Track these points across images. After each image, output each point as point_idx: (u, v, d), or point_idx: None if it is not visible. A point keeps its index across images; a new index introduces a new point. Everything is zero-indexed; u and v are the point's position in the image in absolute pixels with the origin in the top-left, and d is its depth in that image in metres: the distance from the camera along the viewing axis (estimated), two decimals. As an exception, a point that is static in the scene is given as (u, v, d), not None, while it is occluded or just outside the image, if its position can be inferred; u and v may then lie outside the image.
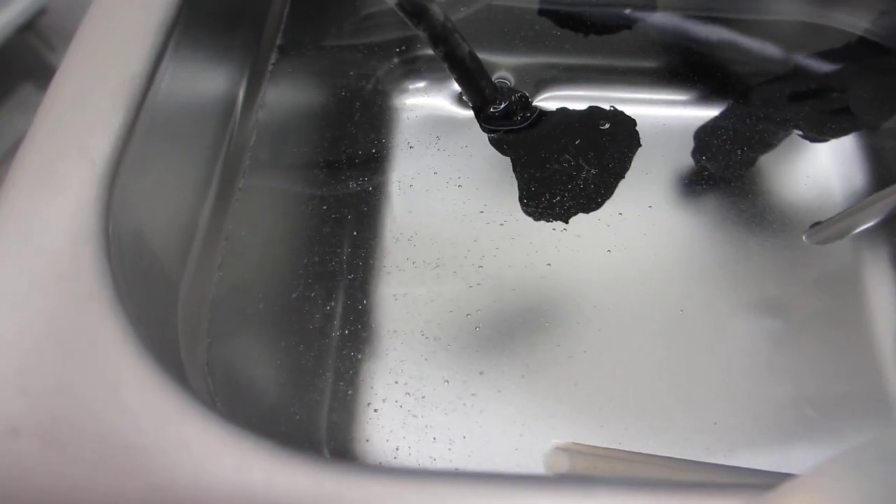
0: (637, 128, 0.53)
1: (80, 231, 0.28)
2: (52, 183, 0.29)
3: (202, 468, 0.23)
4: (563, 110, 0.54)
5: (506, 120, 0.51)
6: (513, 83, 0.54)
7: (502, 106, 0.51)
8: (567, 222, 0.49)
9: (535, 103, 0.53)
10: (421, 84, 0.55)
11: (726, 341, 0.45)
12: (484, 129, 0.52)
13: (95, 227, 0.28)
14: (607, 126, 0.53)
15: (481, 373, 0.44)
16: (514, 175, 0.51)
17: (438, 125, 0.54)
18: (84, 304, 0.26)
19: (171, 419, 0.24)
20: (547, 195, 0.50)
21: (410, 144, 0.53)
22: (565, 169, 0.51)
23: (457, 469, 0.41)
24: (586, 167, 0.51)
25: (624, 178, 0.51)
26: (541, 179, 0.51)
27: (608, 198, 0.50)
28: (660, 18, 0.57)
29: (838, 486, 0.20)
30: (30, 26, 0.80)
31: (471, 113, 0.52)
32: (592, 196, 0.50)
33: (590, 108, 0.54)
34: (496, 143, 0.52)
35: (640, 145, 0.52)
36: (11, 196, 0.29)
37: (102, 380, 0.25)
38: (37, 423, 0.24)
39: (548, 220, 0.50)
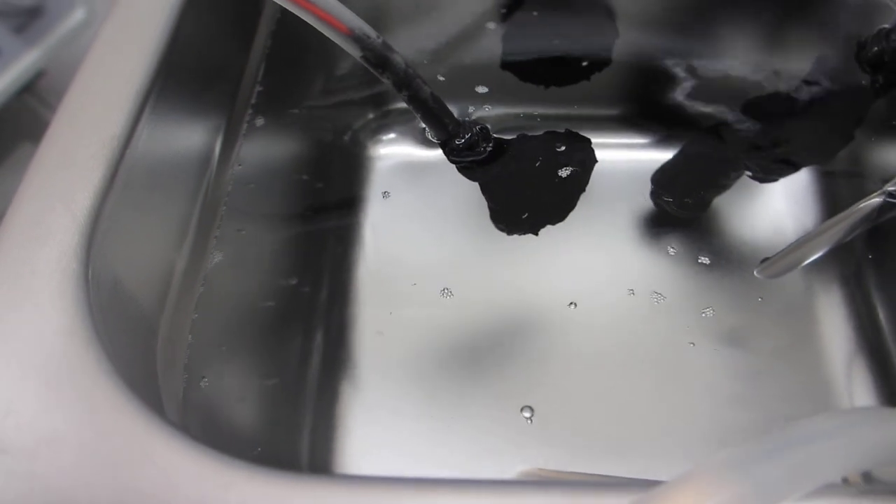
0: (592, 145, 0.56)
1: (62, 275, 0.31)
2: (38, 233, 0.32)
3: (166, 478, 0.26)
4: (522, 136, 0.56)
5: (470, 150, 0.53)
6: (473, 118, 0.57)
7: (465, 138, 0.52)
8: (537, 234, 0.52)
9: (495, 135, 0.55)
10: (392, 135, 0.58)
11: (688, 371, 0.47)
12: (451, 161, 0.53)
13: (76, 271, 0.31)
14: (563, 148, 0.56)
15: (455, 402, 0.46)
16: (483, 202, 0.54)
17: (410, 171, 0.56)
18: (65, 338, 0.29)
19: (140, 436, 0.27)
20: (516, 212, 0.53)
21: (383, 189, 0.55)
22: (529, 188, 0.54)
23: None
24: (548, 184, 0.54)
25: (584, 191, 0.54)
26: (508, 200, 0.54)
27: (571, 209, 0.53)
28: (615, 70, 0.59)
29: (718, 480, 0.22)
30: (29, 88, 0.82)
31: (438, 157, 0.54)
32: (557, 209, 0.53)
33: (545, 132, 0.57)
34: (464, 171, 0.54)
35: (595, 161, 0.55)
36: (3, 246, 0.32)
37: (79, 404, 0.28)
38: (22, 441, 0.27)
39: (519, 234, 0.52)
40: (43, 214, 0.33)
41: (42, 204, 0.33)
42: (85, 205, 0.33)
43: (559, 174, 0.55)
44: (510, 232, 0.53)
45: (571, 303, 0.50)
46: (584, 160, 0.55)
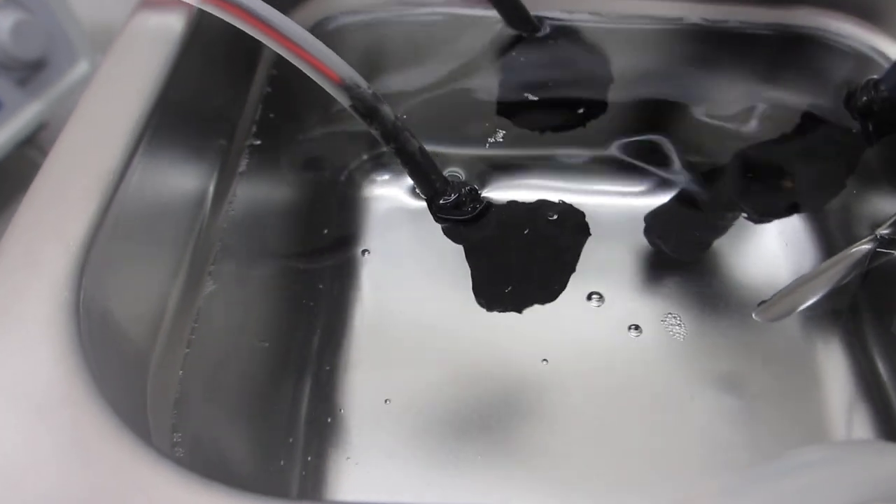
0: (586, 219, 0.55)
1: (53, 304, 0.31)
2: (30, 261, 0.32)
3: (154, 508, 0.26)
4: (512, 203, 0.56)
5: (456, 210, 0.53)
6: (464, 177, 0.56)
7: (452, 197, 0.52)
8: (520, 312, 0.51)
9: (485, 195, 0.56)
10: (387, 177, 0.58)
11: (685, 417, 0.47)
12: (436, 220, 0.53)
13: (68, 301, 0.31)
14: (555, 217, 0.55)
15: (449, 459, 0.46)
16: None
17: (406, 214, 0.56)
18: (54, 366, 0.29)
19: (127, 466, 0.27)
20: (499, 285, 0.52)
21: (379, 233, 0.55)
22: (516, 259, 0.53)
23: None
24: (537, 258, 0.53)
25: (575, 270, 0.53)
26: (492, 269, 0.53)
27: (562, 289, 0.52)
28: (610, 115, 0.60)
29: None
30: (30, 140, 0.82)
31: (432, 203, 0.54)
32: (545, 287, 0.52)
33: (538, 200, 0.56)
34: (448, 233, 0.53)
35: (589, 234, 0.54)
36: (-5, 274, 0.32)
37: (66, 433, 0.28)
38: (5, 470, 0.27)
39: (500, 311, 0.51)
40: (36, 243, 0.33)
41: (35, 233, 0.34)
42: (78, 235, 0.34)
43: (549, 248, 0.54)
44: (490, 308, 0.51)
45: (565, 349, 0.50)
46: (577, 234, 0.55)
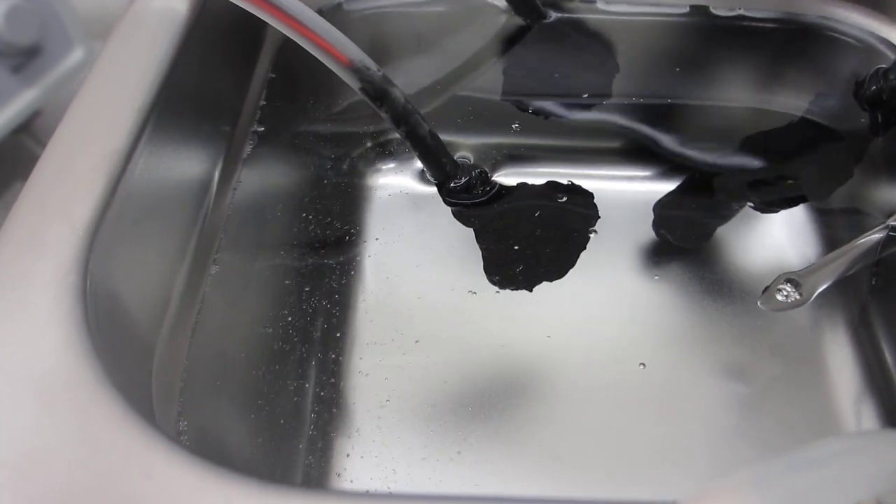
0: (595, 200, 0.55)
1: (59, 288, 0.30)
2: (35, 246, 0.32)
3: (163, 493, 0.25)
4: (522, 185, 0.56)
5: (467, 194, 0.53)
6: (472, 161, 0.56)
7: (463, 181, 0.52)
8: (531, 290, 0.51)
9: (494, 178, 0.55)
10: (392, 165, 0.57)
11: (691, 405, 0.47)
12: (447, 203, 0.53)
13: (74, 284, 0.31)
14: (565, 199, 0.55)
15: (454, 442, 0.45)
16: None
17: (410, 202, 0.56)
18: (61, 351, 0.28)
19: (136, 451, 0.26)
20: (510, 265, 0.52)
21: (383, 221, 0.55)
22: (526, 240, 0.53)
23: None
24: (547, 238, 0.53)
25: (585, 248, 0.53)
26: (503, 250, 0.52)
27: (571, 267, 0.52)
28: (616, 104, 0.59)
29: (737, 498, 0.22)
30: (24, 128, 0.81)
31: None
32: (555, 266, 0.52)
33: (548, 182, 0.56)
34: (459, 216, 0.53)
35: (598, 217, 0.54)
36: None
37: (74, 418, 0.27)
38: (11, 456, 0.26)
39: (512, 289, 0.51)
40: (41, 226, 0.33)
41: (40, 215, 0.33)
42: (84, 217, 0.33)
43: (559, 228, 0.54)
44: (502, 286, 0.51)
45: (571, 337, 0.49)
46: (586, 216, 0.55)
